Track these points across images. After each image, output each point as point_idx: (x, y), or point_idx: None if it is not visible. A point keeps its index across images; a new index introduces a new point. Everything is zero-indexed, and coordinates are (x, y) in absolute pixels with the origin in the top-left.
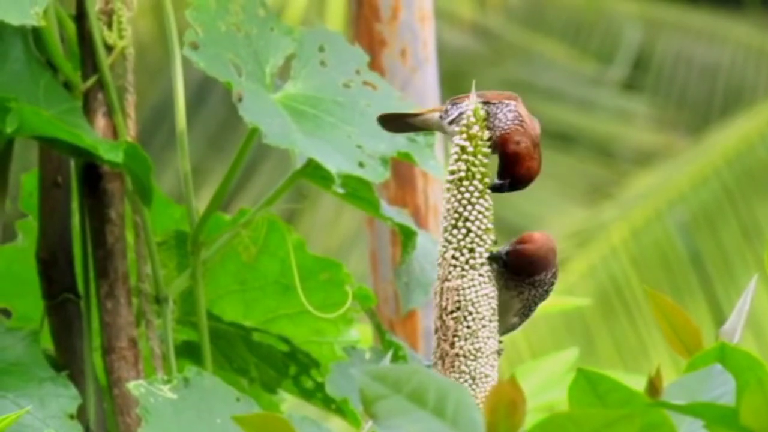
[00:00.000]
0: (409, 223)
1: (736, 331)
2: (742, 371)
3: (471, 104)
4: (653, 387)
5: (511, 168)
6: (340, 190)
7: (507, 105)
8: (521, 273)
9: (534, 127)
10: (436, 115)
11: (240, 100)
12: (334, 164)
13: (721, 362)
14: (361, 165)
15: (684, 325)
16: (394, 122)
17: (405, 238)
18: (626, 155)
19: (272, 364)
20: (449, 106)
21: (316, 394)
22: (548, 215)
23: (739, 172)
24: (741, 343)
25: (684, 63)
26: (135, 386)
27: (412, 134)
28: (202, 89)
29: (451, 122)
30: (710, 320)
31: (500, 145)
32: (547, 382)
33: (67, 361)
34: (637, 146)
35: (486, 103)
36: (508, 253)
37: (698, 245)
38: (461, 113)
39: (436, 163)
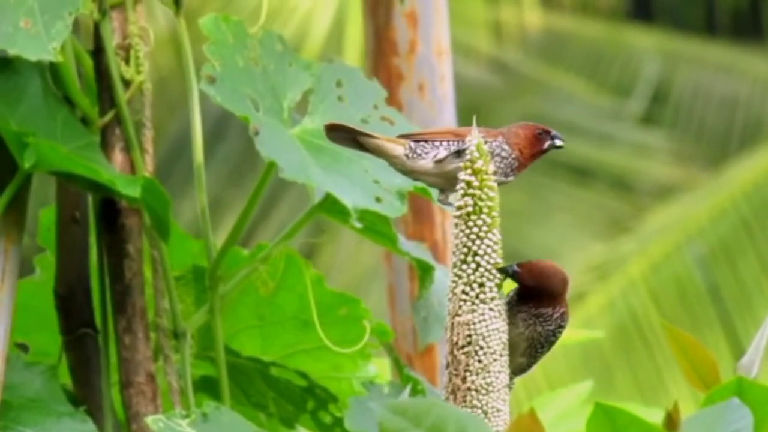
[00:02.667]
0: (427, 257)
1: (754, 364)
2: (760, 405)
3: (474, 139)
4: (671, 421)
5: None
6: (358, 225)
7: (502, 142)
8: (531, 286)
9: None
10: (399, 149)
11: (257, 134)
12: (350, 199)
13: (739, 396)
14: (377, 200)
15: (701, 359)
16: (342, 134)
17: (422, 272)
18: (645, 189)
19: (290, 399)
20: (414, 144)
21: (334, 429)
22: (567, 249)
23: (758, 205)
24: (760, 376)
25: (702, 96)
26: (153, 421)
27: None
28: (222, 123)
29: (439, 161)
30: (729, 353)
31: (529, 134)
32: (562, 414)
33: (85, 395)
34: (655, 180)
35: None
36: (520, 264)
37: (717, 278)
38: (461, 149)
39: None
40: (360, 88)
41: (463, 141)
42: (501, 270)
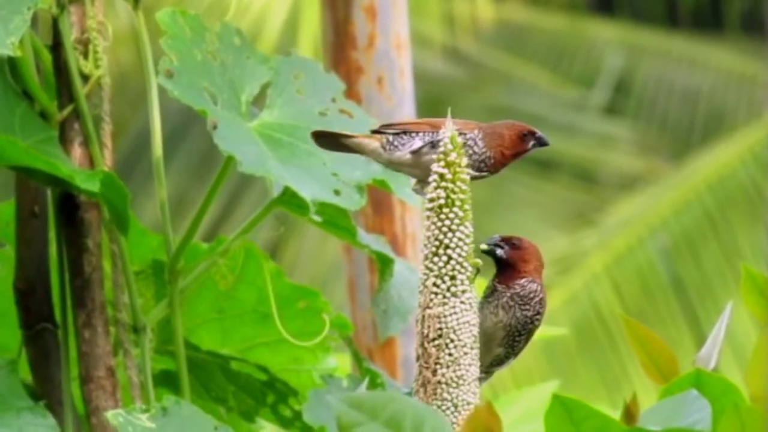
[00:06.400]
0: (387, 250)
1: (712, 357)
2: (718, 397)
3: (447, 131)
4: (629, 413)
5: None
6: (317, 218)
7: (477, 134)
8: (514, 265)
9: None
10: (374, 143)
11: (215, 128)
12: (309, 192)
13: (698, 388)
14: (336, 193)
15: (660, 351)
16: (327, 139)
17: (382, 265)
18: (608, 180)
19: (250, 393)
20: (392, 137)
21: (294, 423)
22: None
23: (721, 197)
24: (722, 368)
25: (665, 88)
26: (113, 415)
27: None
28: (187, 119)
29: (414, 151)
30: (692, 345)
31: (518, 140)
32: (528, 412)
33: (45, 390)
34: (619, 171)
35: (458, 132)
36: (503, 239)
37: (680, 271)
38: (435, 141)
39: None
40: (318, 81)
41: (437, 132)
42: (485, 252)
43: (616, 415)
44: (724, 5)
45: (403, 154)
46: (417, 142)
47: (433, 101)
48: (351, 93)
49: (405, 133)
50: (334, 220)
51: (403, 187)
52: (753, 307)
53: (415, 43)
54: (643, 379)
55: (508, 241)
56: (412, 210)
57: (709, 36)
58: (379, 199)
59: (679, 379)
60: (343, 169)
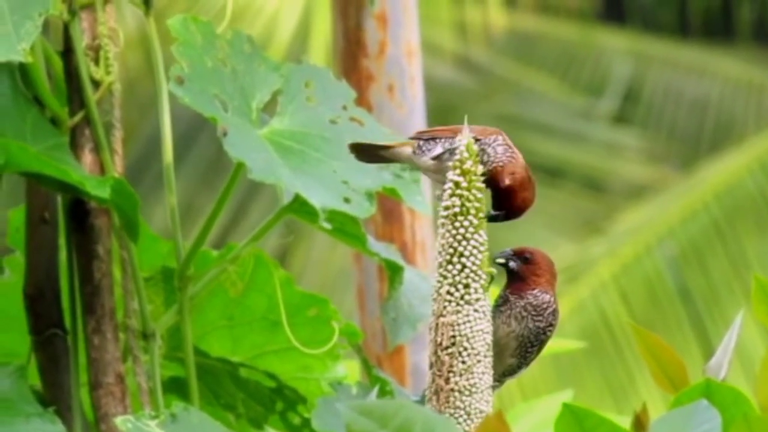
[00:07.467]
0: (397, 258)
1: (722, 366)
2: (728, 406)
3: (464, 139)
4: (639, 423)
5: (506, 201)
6: (327, 226)
7: (495, 140)
8: (526, 279)
9: (521, 158)
10: (408, 149)
11: (225, 135)
12: (319, 200)
13: (708, 398)
14: (346, 200)
15: (670, 360)
16: (366, 152)
17: (392, 273)
18: (616, 189)
19: (259, 400)
20: (422, 142)
21: (302, 430)
22: None
23: (729, 207)
24: (729, 377)
25: (674, 97)
26: (122, 421)
27: (398, 170)
28: (195, 125)
29: (435, 157)
30: (699, 354)
31: (494, 179)
32: (540, 422)
33: (54, 396)
34: (627, 179)
35: (474, 139)
36: (515, 252)
37: (687, 280)
38: (452, 148)
39: (422, 199)
40: (329, 88)
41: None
42: (500, 264)
43: (623, 423)
44: (734, 14)
45: (427, 159)
46: (438, 148)
47: (443, 109)
48: (362, 101)
49: (432, 139)
50: (344, 227)
51: (412, 195)
52: (764, 317)
53: (425, 50)
54: (649, 387)
55: (520, 255)
56: (422, 218)
57: (718, 45)
58: (389, 207)
59: (689, 389)
60: (353, 176)
